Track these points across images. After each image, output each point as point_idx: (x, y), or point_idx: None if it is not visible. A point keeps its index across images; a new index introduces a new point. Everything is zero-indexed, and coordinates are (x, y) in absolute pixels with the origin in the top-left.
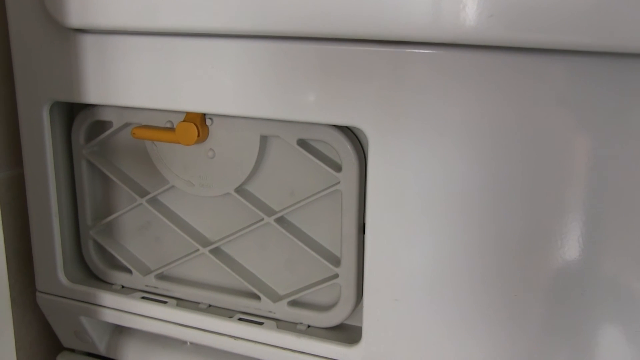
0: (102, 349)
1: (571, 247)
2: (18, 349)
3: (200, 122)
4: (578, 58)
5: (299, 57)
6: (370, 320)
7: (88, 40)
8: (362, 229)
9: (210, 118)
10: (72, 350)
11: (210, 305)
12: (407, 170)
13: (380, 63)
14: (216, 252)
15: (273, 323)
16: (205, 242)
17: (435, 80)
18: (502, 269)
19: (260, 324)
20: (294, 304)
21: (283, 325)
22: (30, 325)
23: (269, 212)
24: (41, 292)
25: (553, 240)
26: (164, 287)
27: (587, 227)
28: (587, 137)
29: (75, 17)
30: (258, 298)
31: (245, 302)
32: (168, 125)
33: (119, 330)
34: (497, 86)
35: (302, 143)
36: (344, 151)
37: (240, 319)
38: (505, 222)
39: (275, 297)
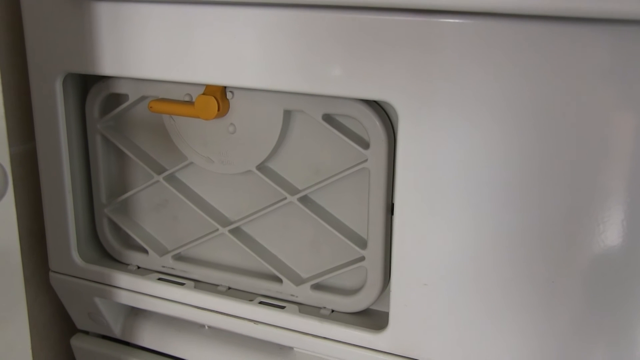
0: (117, 332)
1: (614, 232)
2: (31, 330)
3: (220, 95)
4: (625, 28)
5: (326, 27)
6: (398, 305)
7: (103, 8)
8: (390, 209)
9: (231, 91)
10: (86, 333)
11: (229, 288)
12: (440, 148)
13: (411, 33)
14: (236, 232)
15: (295, 307)
16: (225, 222)
17: (471, 52)
18: (540, 253)
19: (282, 307)
20: (318, 287)
21: (306, 309)
22: (44, 306)
23: (292, 190)
24: (54, 272)
25: (595, 224)
26: (182, 268)
27: (632, 211)
28: (633, 114)
29: None
30: (280, 281)
31: (267, 284)
32: (187, 99)
33: (135, 313)
34: (538, 58)
35: (328, 118)
36: (372, 127)
37: (260, 303)
38: (545, 203)
39: (298, 280)
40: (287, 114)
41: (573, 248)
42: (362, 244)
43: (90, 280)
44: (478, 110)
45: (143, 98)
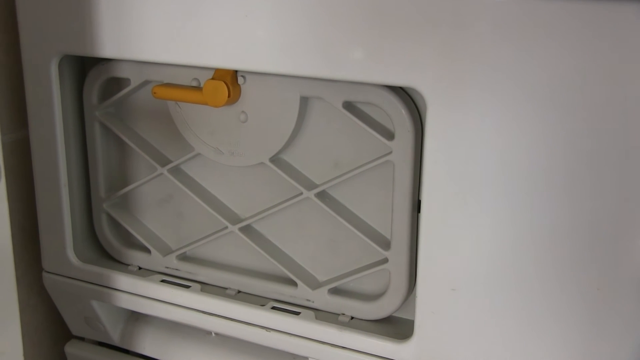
0: (115, 338)
1: None
2: (22, 336)
3: (231, 80)
4: None
5: (347, 5)
6: (424, 312)
7: None
8: (416, 207)
9: (242, 76)
10: (82, 339)
11: (239, 292)
12: (472, 138)
13: (441, 12)
14: (247, 230)
15: (311, 313)
16: (234, 219)
17: (507, 32)
18: (583, 257)
19: (297, 314)
20: (336, 292)
21: (323, 316)
22: (36, 309)
23: (309, 185)
24: (48, 272)
25: None
26: (187, 269)
27: None
28: None
29: None
30: (294, 284)
31: (280, 288)
32: (194, 84)
33: (135, 318)
34: (582, 37)
35: (349, 106)
36: (398, 116)
37: (273, 308)
38: (589, 202)
39: (315, 284)
40: (304, 101)
41: (623, 250)
42: (385, 244)
43: (86, 282)
44: (515, 96)
45: (146, 83)
